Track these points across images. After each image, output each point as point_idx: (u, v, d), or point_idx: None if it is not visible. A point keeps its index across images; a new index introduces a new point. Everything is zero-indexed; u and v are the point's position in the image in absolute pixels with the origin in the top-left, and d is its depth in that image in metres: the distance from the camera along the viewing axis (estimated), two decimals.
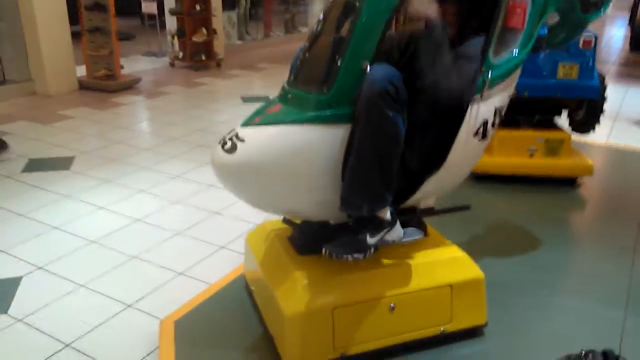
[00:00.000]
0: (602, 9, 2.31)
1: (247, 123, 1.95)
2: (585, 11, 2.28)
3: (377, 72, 1.77)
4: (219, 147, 1.91)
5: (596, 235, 3.27)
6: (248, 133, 1.88)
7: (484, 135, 2.07)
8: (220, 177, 1.94)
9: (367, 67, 1.79)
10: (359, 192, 1.84)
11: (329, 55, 1.91)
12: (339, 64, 1.83)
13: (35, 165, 4.04)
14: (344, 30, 1.89)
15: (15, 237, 3.01)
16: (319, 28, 2.03)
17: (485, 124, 2.05)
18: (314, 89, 1.88)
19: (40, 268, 2.71)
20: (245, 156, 1.84)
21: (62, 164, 4.07)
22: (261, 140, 1.86)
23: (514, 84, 2.18)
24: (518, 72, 2.16)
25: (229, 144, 1.88)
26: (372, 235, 1.88)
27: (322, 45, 2.01)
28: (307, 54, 2.03)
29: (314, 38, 2.03)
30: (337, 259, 1.86)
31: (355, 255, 1.86)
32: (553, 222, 3.32)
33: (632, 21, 10.06)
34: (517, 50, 2.10)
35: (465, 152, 2.06)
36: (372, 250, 1.90)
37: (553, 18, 2.35)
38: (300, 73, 2.01)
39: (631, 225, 3.26)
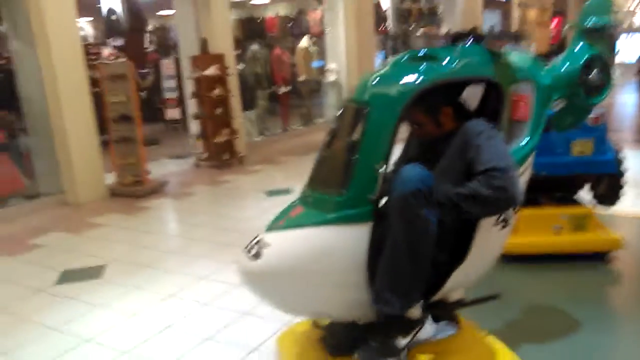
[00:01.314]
0: (604, 92, 2.39)
1: (270, 228, 2.01)
2: (588, 96, 2.36)
3: (409, 172, 1.81)
4: (244, 253, 1.96)
5: (634, 313, 3.15)
6: (272, 238, 1.94)
7: (505, 224, 2.09)
8: (247, 284, 1.98)
9: (380, 168, 1.86)
10: (392, 288, 1.83)
11: (343, 158, 2.01)
12: (353, 166, 1.91)
13: (67, 277, 4.13)
14: (356, 135, 1.99)
15: (47, 352, 3.03)
16: (333, 132, 2.14)
17: None
18: (332, 191, 1.96)
19: None
20: (270, 261, 1.88)
21: (93, 273, 4.16)
22: (285, 244, 1.91)
23: (529, 171, 2.23)
24: (531, 159, 2.21)
25: (253, 250, 1.93)
26: (403, 337, 1.86)
27: (336, 149, 2.11)
28: (323, 157, 2.12)
29: (329, 141, 2.13)
30: None
31: None
32: (587, 301, 3.22)
33: None
34: (527, 139, 2.17)
35: (488, 241, 2.08)
36: (406, 352, 1.87)
37: (559, 104, 2.43)
38: (318, 176, 2.09)
39: None
